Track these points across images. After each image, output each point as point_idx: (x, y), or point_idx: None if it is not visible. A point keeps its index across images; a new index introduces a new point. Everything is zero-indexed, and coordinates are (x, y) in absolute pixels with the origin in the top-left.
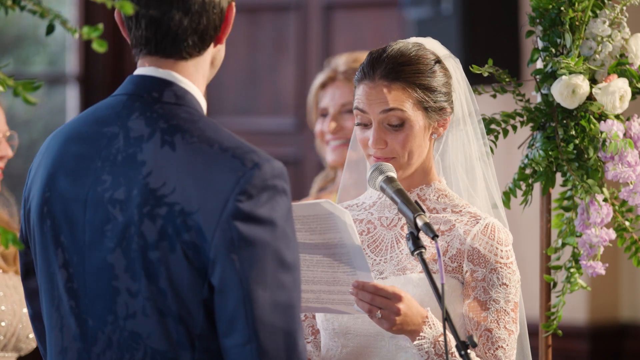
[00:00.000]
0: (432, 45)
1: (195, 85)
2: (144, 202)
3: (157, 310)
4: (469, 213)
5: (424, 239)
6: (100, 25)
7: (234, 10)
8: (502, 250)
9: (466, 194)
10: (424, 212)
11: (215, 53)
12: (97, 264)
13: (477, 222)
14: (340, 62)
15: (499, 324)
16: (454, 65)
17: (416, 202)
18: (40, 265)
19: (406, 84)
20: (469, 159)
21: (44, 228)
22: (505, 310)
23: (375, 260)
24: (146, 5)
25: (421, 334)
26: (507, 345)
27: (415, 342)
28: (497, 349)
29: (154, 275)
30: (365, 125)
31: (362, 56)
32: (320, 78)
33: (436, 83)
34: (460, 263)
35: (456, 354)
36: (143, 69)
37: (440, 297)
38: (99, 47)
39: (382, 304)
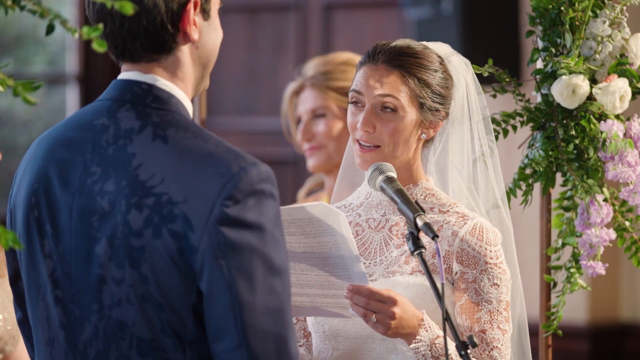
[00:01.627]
0: (444, 51)
1: (180, 88)
2: (133, 193)
3: (140, 296)
4: (456, 213)
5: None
6: (100, 25)
7: (193, 6)
8: (491, 251)
9: (463, 195)
10: (424, 212)
11: (194, 52)
12: (83, 254)
13: (465, 223)
14: (310, 67)
15: (492, 325)
16: (464, 68)
17: (416, 202)
18: (25, 257)
19: (406, 73)
20: (471, 158)
21: (29, 218)
22: (497, 310)
23: (365, 263)
24: (92, 12)
25: (417, 337)
26: (502, 345)
27: (411, 346)
28: (492, 349)
29: (136, 261)
30: (359, 108)
31: (333, 58)
32: (291, 86)
33: (435, 82)
34: (450, 264)
35: (456, 353)
36: (127, 74)
37: (440, 297)
38: (98, 47)
39: (377, 308)
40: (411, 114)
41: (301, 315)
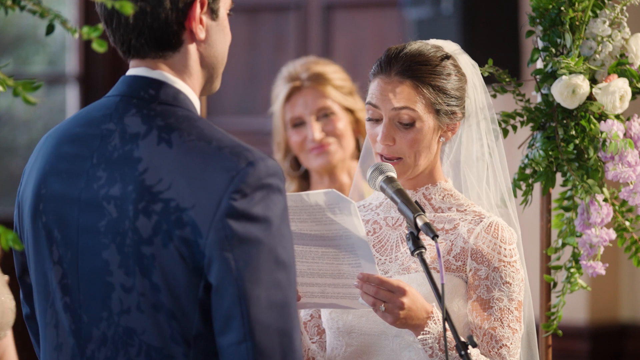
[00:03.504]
0: (452, 49)
1: (187, 84)
2: (140, 199)
3: (151, 305)
4: (473, 212)
5: (427, 239)
6: (100, 25)
7: (200, 5)
8: (505, 249)
9: (475, 192)
10: (424, 212)
11: (201, 51)
12: (92, 261)
13: (481, 221)
14: (299, 69)
15: (502, 323)
16: (471, 69)
17: (416, 202)
18: (34, 263)
19: (420, 83)
20: (480, 157)
21: (37, 225)
22: (508, 308)
23: (380, 259)
24: (99, 8)
25: (425, 328)
26: (512, 343)
27: (419, 337)
28: (501, 347)
29: (147, 270)
30: (376, 121)
31: (315, 59)
32: (283, 91)
33: (450, 86)
34: (464, 262)
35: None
36: (135, 70)
37: (440, 297)
38: (98, 47)
39: (386, 298)
40: (428, 121)
41: (311, 307)
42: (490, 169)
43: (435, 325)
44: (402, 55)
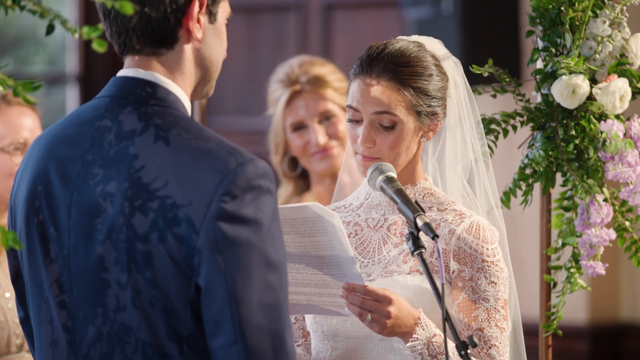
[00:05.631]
0: (433, 46)
1: (178, 85)
2: (136, 196)
3: (146, 302)
4: (454, 211)
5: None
6: (100, 25)
7: (199, 4)
8: (488, 249)
9: (459, 195)
10: (423, 212)
11: (197, 52)
12: (88, 257)
13: (462, 221)
14: (297, 72)
15: (490, 323)
16: (453, 67)
17: (416, 202)
18: (27, 261)
19: (402, 85)
20: (466, 160)
21: (32, 223)
22: (495, 308)
23: (363, 262)
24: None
25: (414, 335)
26: (500, 343)
27: (408, 344)
28: (490, 347)
29: (142, 266)
30: (357, 122)
31: (310, 59)
32: (284, 95)
33: (432, 87)
34: (447, 263)
35: (455, 353)
36: (125, 71)
37: (440, 297)
38: (98, 47)
39: (372, 307)
40: (409, 123)
41: (298, 313)
42: (476, 172)
43: (423, 332)
44: (383, 55)
